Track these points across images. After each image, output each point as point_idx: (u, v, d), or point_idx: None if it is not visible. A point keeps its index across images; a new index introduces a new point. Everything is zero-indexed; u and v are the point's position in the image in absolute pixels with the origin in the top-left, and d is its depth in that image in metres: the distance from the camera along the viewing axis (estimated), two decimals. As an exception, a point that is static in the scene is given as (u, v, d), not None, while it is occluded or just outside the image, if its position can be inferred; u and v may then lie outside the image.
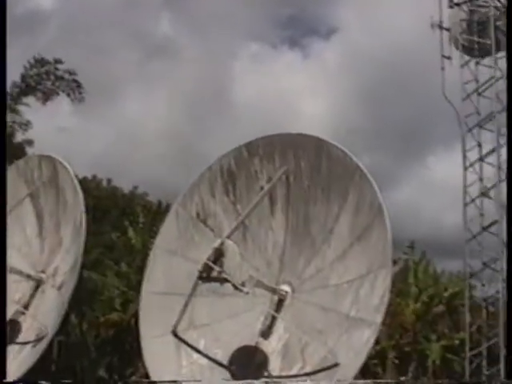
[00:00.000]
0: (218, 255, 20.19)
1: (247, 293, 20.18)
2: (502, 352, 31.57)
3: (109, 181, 59.30)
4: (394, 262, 34.29)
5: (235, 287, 20.05)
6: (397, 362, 40.44)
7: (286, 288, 21.93)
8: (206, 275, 20.39)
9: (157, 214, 46.23)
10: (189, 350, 22.46)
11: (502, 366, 31.51)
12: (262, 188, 22.58)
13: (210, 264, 20.08)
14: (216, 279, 20.41)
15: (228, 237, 20.98)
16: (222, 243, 20.41)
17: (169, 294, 22.94)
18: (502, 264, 32.63)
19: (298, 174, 22.31)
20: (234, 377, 21.42)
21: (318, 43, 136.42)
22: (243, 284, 20.00)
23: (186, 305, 22.33)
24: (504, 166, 33.24)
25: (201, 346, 22.42)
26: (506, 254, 20.64)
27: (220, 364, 21.90)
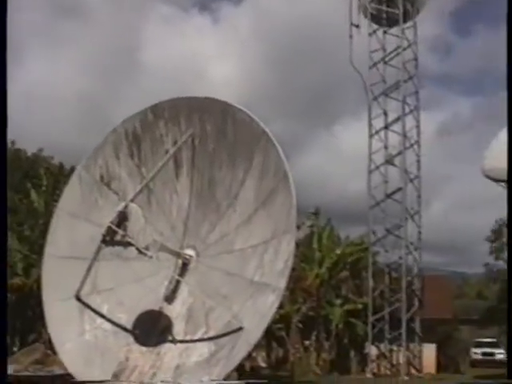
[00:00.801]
0: (122, 219, 19.93)
1: (151, 257, 20.01)
2: (404, 317, 32.46)
3: (12, 143, 57.91)
4: (299, 228, 34.67)
5: (139, 251, 19.85)
6: (301, 326, 40.90)
7: (190, 252, 21.83)
8: (109, 239, 20.13)
9: (60, 176, 45.32)
10: (92, 314, 22.16)
11: (403, 330, 32.40)
12: (167, 151, 22.31)
13: (114, 227, 19.83)
14: (120, 243, 20.17)
15: (132, 200, 20.69)
16: (126, 206, 20.14)
17: (72, 258, 22.52)
18: (406, 231, 33.43)
19: (203, 137, 22.10)
20: (138, 341, 21.32)
21: (228, 7, 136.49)
22: (147, 248, 19.81)
23: (89, 269, 21.96)
24: (408, 134, 33.96)
25: (104, 311, 22.14)
26: (507, 243, 21.04)
27: (124, 328, 21.72)
